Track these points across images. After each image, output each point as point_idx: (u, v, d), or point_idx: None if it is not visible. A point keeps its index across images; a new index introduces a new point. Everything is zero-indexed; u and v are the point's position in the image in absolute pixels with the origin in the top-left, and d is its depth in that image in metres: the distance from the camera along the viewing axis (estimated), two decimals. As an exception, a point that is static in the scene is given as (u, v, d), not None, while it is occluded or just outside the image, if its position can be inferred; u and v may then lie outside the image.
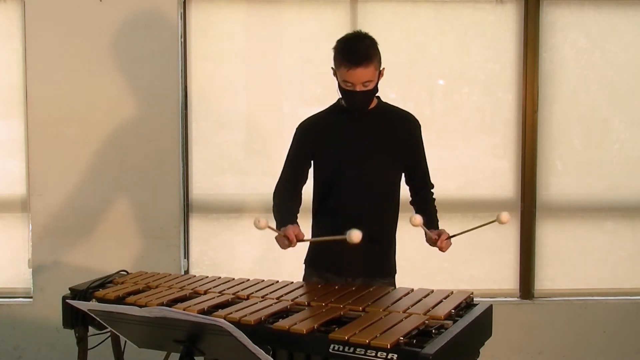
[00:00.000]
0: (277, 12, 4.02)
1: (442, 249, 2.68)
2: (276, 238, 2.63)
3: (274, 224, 2.64)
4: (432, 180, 2.91)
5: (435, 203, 2.89)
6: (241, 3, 4.01)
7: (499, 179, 4.10)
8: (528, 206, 4.07)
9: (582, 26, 4.07)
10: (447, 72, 4.08)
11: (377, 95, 2.78)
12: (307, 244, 2.81)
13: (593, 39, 4.08)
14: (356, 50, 2.61)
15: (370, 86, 2.65)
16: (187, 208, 4.01)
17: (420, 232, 2.72)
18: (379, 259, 2.81)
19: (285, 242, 2.58)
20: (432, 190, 2.90)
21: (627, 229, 4.18)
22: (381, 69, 2.69)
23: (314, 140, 2.80)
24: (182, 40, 3.95)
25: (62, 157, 3.87)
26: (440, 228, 2.76)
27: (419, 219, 2.56)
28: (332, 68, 2.71)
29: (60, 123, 3.86)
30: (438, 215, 2.87)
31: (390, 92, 3.77)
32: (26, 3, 3.84)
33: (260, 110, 4.06)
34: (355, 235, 2.43)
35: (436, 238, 2.67)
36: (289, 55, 4.04)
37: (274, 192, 2.84)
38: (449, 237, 2.68)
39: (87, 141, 3.87)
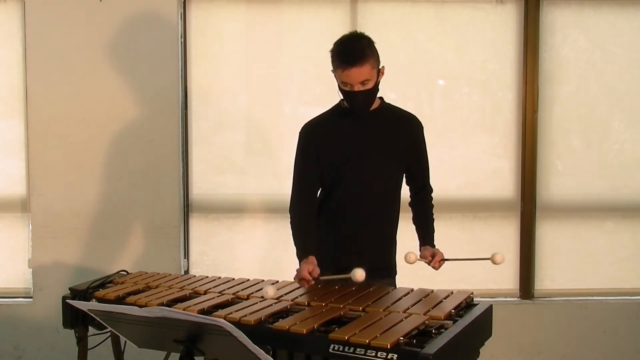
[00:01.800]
0: (277, 12, 4.02)
1: (434, 269, 2.75)
2: (296, 281, 2.64)
3: (281, 291, 2.58)
4: (432, 179, 2.91)
5: (436, 204, 2.89)
6: (241, 3, 4.01)
7: (499, 179, 4.10)
8: (528, 206, 4.06)
9: (582, 26, 4.07)
10: (447, 72, 4.07)
11: (380, 96, 2.78)
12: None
13: (593, 39, 4.08)
14: (350, 51, 2.61)
15: (369, 85, 2.63)
16: (187, 208, 4.01)
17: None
18: (380, 259, 2.81)
19: (304, 283, 2.60)
20: (431, 194, 2.90)
21: (627, 229, 4.17)
22: (380, 67, 2.68)
23: (317, 142, 2.78)
24: (182, 40, 3.95)
25: (62, 157, 3.87)
26: (435, 247, 2.80)
27: (413, 257, 2.70)
28: (332, 71, 2.71)
29: (60, 123, 3.86)
30: (438, 215, 2.88)
31: (390, 92, 3.76)
32: (26, 3, 3.84)
33: (260, 110, 4.06)
34: (359, 274, 2.49)
35: (430, 259, 2.73)
36: (289, 55, 4.04)
37: (290, 206, 2.82)
38: (443, 260, 2.74)
39: (87, 141, 3.87)
